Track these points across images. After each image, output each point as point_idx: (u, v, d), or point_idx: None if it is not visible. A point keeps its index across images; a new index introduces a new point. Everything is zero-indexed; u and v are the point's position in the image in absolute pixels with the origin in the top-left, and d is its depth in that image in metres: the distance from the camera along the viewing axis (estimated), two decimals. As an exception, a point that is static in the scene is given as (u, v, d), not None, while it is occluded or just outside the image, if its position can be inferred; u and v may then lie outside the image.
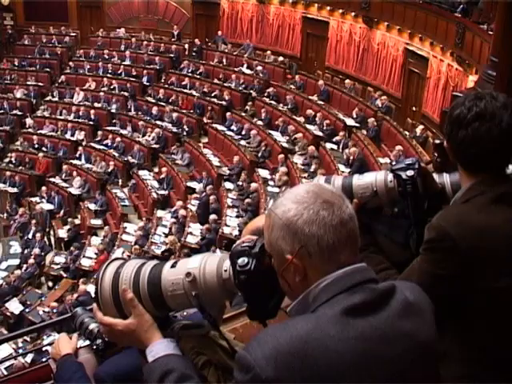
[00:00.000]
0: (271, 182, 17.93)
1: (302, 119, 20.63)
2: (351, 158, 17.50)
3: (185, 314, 2.08)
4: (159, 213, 18.17)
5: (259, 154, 19.50)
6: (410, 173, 2.54)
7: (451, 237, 2.24)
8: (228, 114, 21.89)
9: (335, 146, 18.82)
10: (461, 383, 2.33)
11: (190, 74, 24.55)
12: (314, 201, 1.66)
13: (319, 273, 1.67)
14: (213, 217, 16.53)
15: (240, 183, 18.12)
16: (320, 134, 19.48)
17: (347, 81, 21.76)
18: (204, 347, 2.06)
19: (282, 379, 1.53)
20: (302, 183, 1.83)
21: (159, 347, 1.87)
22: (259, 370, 1.54)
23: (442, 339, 1.80)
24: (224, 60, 24.90)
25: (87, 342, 2.99)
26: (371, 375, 1.60)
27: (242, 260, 1.76)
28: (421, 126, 18.23)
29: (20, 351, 12.62)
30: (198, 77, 24.28)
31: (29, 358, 12.32)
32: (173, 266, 1.89)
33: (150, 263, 1.96)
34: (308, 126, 19.92)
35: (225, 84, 23.58)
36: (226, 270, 1.81)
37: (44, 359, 10.41)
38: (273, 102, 21.90)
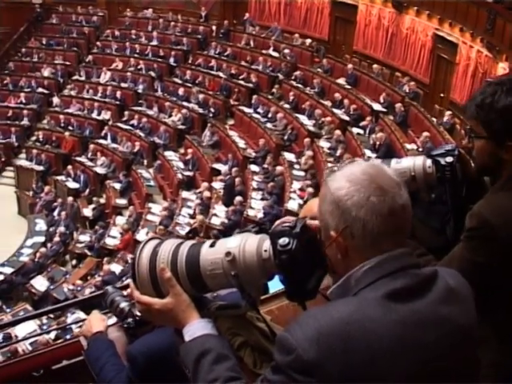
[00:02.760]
0: (297, 166, 17.92)
1: (328, 103, 20.47)
2: (377, 143, 17.41)
3: (215, 295, 2.07)
4: (184, 194, 18.22)
5: (285, 138, 19.44)
6: (450, 159, 2.53)
7: (491, 225, 2.23)
8: (254, 96, 21.77)
9: (362, 131, 18.71)
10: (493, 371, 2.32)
11: (217, 56, 24.44)
12: (367, 184, 1.65)
13: (360, 255, 1.66)
14: (238, 199, 16.58)
15: (265, 166, 18.10)
16: (347, 118, 19.39)
17: (375, 65, 21.54)
18: (240, 328, 2.06)
19: (324, 361, 1.53)
20: (357, 162, 1.77)
21: (196, 327, 1.86)
22: (301, 352, 1.54)
23: (481, 327, 1.78)
24: (251, 42, 24.76)
25: (115, 320, 3.01)
26: (409, 360, 1.59)
27: (283, 240, 1.75)
28: (448, 113, 18.05)
29: (44, 328, 12.76)
30: (225, 59, 24.18)
31: (52, 334, 12.46)
32: (212, 246, 1.87)
33: (188, 243, 1.94)
34: (335, 110, 19.81)
35: (252, 66, 23.46)
36: (266, 250, 1.79)
37: (68, 336, 10.57)
38: (300, 86, 21.73)
